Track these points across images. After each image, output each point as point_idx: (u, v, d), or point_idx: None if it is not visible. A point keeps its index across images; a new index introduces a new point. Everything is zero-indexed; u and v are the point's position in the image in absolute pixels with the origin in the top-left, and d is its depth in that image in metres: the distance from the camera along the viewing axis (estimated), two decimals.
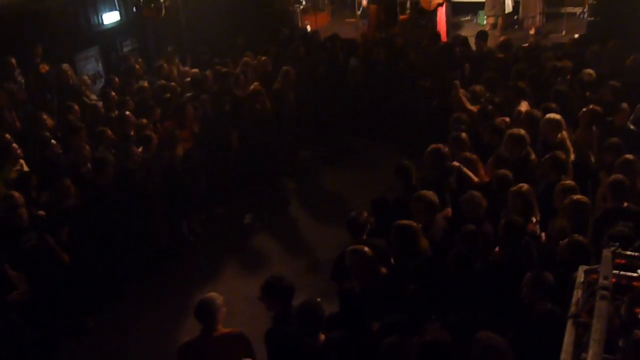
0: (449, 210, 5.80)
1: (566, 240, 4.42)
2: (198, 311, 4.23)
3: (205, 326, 4.24)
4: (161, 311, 6.86)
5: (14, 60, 9.02)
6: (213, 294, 4.34)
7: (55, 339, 6.41)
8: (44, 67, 9.40)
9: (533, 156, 6.21)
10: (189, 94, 9.12)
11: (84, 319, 6.66)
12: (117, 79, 9.67)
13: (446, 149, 6.17)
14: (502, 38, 10.45)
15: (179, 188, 7.67)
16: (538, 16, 13.16)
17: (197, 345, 4.24)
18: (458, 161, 6.12)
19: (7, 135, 7.32)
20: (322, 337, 4.14)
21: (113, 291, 7.12)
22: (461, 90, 8.00)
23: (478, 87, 8.07)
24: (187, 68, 10.61)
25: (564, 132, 6.36)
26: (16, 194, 6.02)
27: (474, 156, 6.30)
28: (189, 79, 9.73)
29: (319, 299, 4.33)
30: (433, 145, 6.19)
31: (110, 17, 11.57)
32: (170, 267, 7.66)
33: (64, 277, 6.27)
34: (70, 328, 6.57)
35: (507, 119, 7.08)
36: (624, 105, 6.89)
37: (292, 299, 4.42)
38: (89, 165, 7.08)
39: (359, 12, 16.00)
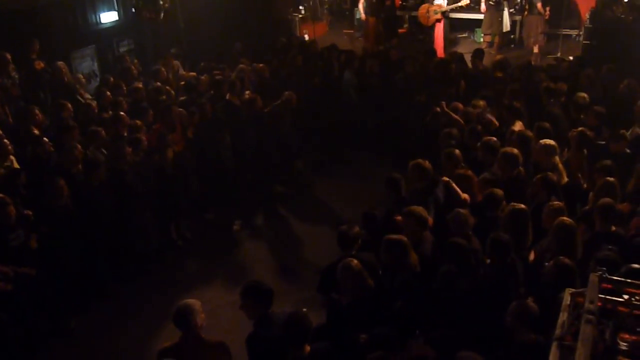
0: (430, 221, 5.80)
1: (552, 262, 4.44)
2: (176, 317, 4.20)
3: (183, 332, 4.22)
4: (145, 314, 6.82)
5: (8, 55, 8.96)
6: (191, 300, 4.32)
7: (38, 339, 6.35)
8: (39, 64, 9.34)
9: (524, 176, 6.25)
10: (182, 98, 9.12)
11: (67, 319, 6.60)
12: (112, 79, 9.64)
13: (427, 163, 6.19)
14: (498, 56, 10.54)
15: (168, 191, 7.64)
16: (541, 36, 13.25)
17: (176, 351, 4.20)
18: (452, 177, 6.15)
19: None
20: (307, 348, 4.13)
21: (98, 292, 7.08)
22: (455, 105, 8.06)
23: (471, 109, 8.08)
24: (183, 72, 10.62)
25: (556, 157, 6.41)
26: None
27: (469, 172, 6.34)
28: (183, 82, 9.73)
29: (305, 310, 4.33)
30: (413, 161, 6.22)
31: (108, 17, 11.56)
32: (157, 270, 7.62)
33: (48, 277, 6.22)
34: (53, 328, 6.51)
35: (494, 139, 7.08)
36: (623, 132, 6.90)
37: (270, 302, 4.40)
38: (79, 166, 7.03)
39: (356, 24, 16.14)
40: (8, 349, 5.95)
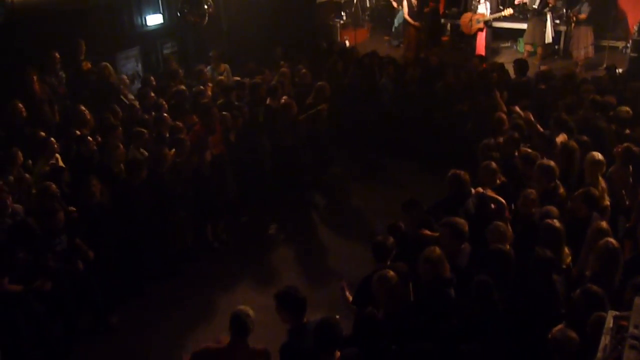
0: None
1: (579, 289, 4.31)
2: (234, 322, 4.23)
3: (233, 338, 4.24)
4: (180, 313, 6.91)
5: (57, 55, 9.21)
6: (245, 307, 4.34)
7: (78, 334, 6.47)
8: (87, 65, 9.57)
9: (562, 190, 6.11)
10: (220, 101, 9.19)
11: (110, 316, 6.71)
12: (153, 80, 9.80)
13: (465, 175, 6.12)
14: (543, 67, 10.34)
15: (205, 193, 7.72)
16: (589, 47, 12.96)
17: (222, 355, 4.23)
18: (491, 188, 6.08)
19: (42, 133, 7.46)
20: (338, 354, 4.11)
21: (133, 290, 7.19)
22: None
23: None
24: (224, 76, 10.66)
25: (600, 177, 6.26)
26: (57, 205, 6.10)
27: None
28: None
29: (337, 317, 4.32)
30: (453, 170, 6.16)
31: (154, 19, 11.77)
32: (192, 271, 7.70)
33: (89, 275, 6.35)
34: (95, 325, 6.63)
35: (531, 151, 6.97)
36: None
37: (303, 312, 4.38)
38: (122, 165, 7.15)
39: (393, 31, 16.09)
40: (48, 343, 6.11)
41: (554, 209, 5.53)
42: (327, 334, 4.06)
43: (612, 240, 4.86)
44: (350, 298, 5.30)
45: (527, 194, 5.84)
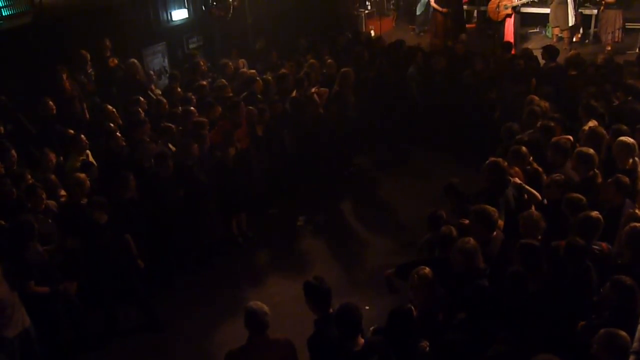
0: (501, 223, 5.64)
1: (609, 282, 4.20)
2: (248, 319, 4.25)
3: (251, 334, 4.27)
4: (209, 306, 6.96)
5: (87, 55, 9.33)
6: (258, 302, 4.34)
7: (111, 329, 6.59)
8: (114, 61, 9.67)
9: (600, 179, 5.97)
10: (244, 94, 9.19)
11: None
12: (179, 75, 9.83)
13: (505, 163, 6.03)
14: (572, 53, 10.13)
15: (229, 187, 7.72)
16: (617, 31, 12.66)
17: (244, 354, 4.26)
18: (519, 175, 5.98)
19: (71, 130, 7.59)
20: (361, 340, 4.10)
21: (163, 283, 7.26)
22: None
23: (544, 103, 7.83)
24: (245, 69, 10.65)
25: (636, 158, 6.09)
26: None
27: (540, 169, 6.16)
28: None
29: (367, 307, 4.30)
30: (492, 158, 6.06)
31: (179, 14, 11.84)
32: (221, 263, 7.76)
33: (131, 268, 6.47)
34: (145, 322, 6.70)
35: (571, 138, 6.84)
36: None
37: (328, 302, 4.35)
38: (152, 160, 7.22)
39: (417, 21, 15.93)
40: (80, 334, 6.26)
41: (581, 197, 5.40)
42: (347, 319, 4.05)
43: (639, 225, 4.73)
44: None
45: (555, 178, 5.74)
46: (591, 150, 5.98)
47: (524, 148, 6.41)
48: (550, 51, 9.61)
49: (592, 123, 7.10)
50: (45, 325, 5.70)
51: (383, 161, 10.24)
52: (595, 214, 4.98)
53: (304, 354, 4.44)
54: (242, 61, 10.92)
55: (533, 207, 5.82)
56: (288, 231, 8.45)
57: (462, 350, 3.91)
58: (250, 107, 8.38)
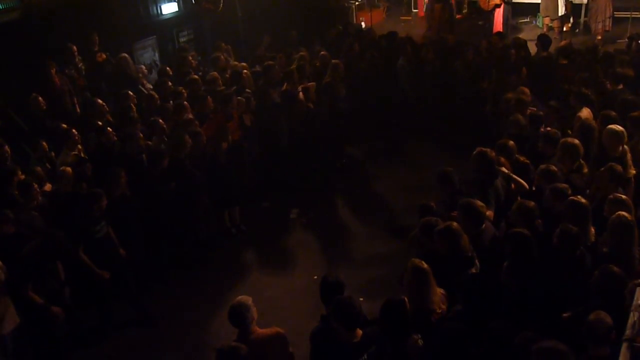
0: (491, 214, 5.66)
1: (598, 271, 4.23)
2: (231, 317, 4.26)
3: (240, 330, 4.28)
4: (204, 300, 6.95)
5: (74, 47, 9.28)
6: (242, 297, 4.35)
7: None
8: (101, 56, 9.61)
9: (586, 170, 5.99)
10: (234, 87, 9.16)
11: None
12: (169, 70, 9.79)
13: (492, 153, 6.05)
14: (563, 42, 10.16)
15: (221, 180, 7.69)
16: (607, 20, 12.70)
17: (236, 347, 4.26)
18: (506, 166, 6.02)
19: (63, 125, 7.53)
20: (359, 332, 4.12)
21: (157, 278, 7.24)
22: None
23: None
24: (235, 62, 10.60)
25: (625, 146, 6.12)
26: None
27: (527, 161, 6.19)
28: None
29: (361, 299, 4.30)
30: (479, 149, 6.08)
31: (169, 8, 11.80)
32: (215, 257, 7.76)
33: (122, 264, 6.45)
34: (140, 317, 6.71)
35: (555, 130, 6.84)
36: None
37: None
38: (143, 155, 7.20)
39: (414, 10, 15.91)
40: (75, 332, 6.25)
41: (566, 186, 5.42)
42: (343, 311, 4.06)
43: (623, 213, 4.71)
44: None
45: (545, 168, 5.75)
46: (576, 141, 5.99)
47: (511, 142, 6.42)
48: (544, 40, 9.63)
49: (587, 111, 7.12)
50: (38, 323, 5.68)
51: (375, 152, 10.25)
52: (583, 199, 5.01)
53: (295, 346, 4.47)
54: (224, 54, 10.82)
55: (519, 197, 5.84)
56: (281, 224, 8.44)
57: (459, 339, 3.91)
58: (239, 98, 8.39)
